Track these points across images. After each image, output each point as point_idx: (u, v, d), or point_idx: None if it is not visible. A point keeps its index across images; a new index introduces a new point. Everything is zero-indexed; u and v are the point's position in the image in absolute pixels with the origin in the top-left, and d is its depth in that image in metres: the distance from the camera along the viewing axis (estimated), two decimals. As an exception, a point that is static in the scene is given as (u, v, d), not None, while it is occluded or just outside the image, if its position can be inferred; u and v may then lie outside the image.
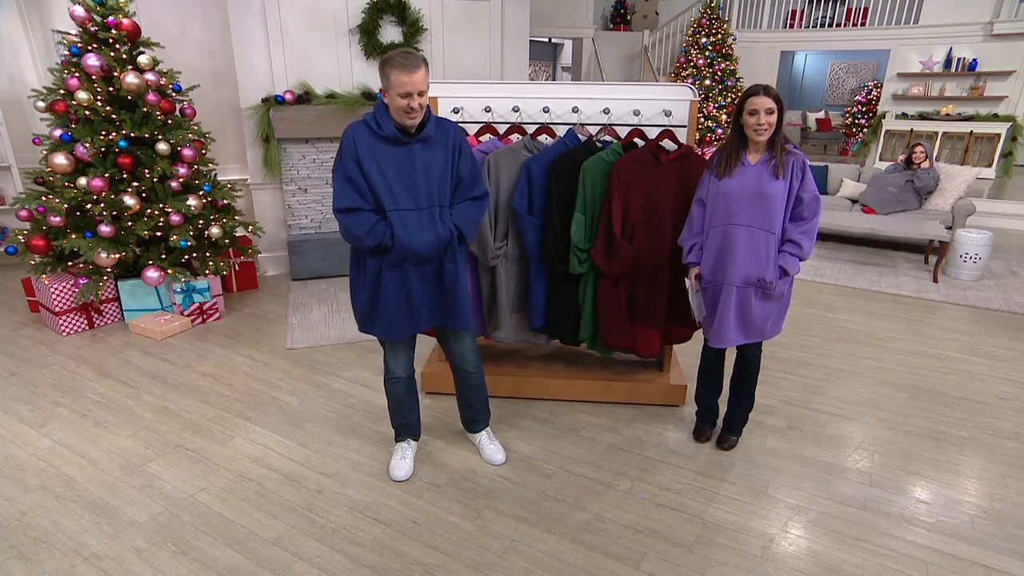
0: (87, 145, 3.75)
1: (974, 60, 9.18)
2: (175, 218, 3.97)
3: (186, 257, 4.10)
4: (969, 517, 2.36)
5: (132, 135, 3.88)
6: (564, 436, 2.88)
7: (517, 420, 3.00)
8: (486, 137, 2.98)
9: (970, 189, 6.08)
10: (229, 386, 3.33)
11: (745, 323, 2.49)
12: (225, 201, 4.37)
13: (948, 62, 9.40)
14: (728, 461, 2.70)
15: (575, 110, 2.94)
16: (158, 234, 4.01)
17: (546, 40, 10.45)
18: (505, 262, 2.92)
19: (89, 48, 3.82)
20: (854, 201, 6.39)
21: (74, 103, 3.76)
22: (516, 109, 2.95)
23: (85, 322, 4.05)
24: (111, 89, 3.86)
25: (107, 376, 3.43)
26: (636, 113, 2.89)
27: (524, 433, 2.90)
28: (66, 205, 3.81)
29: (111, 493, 2.45)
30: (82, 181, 3.77)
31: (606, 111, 2.90)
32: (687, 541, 2.22)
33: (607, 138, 2.88)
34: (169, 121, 4.05)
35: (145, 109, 3.90)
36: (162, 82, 3.99)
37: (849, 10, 10.51)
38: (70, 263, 4.04)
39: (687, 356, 3.45)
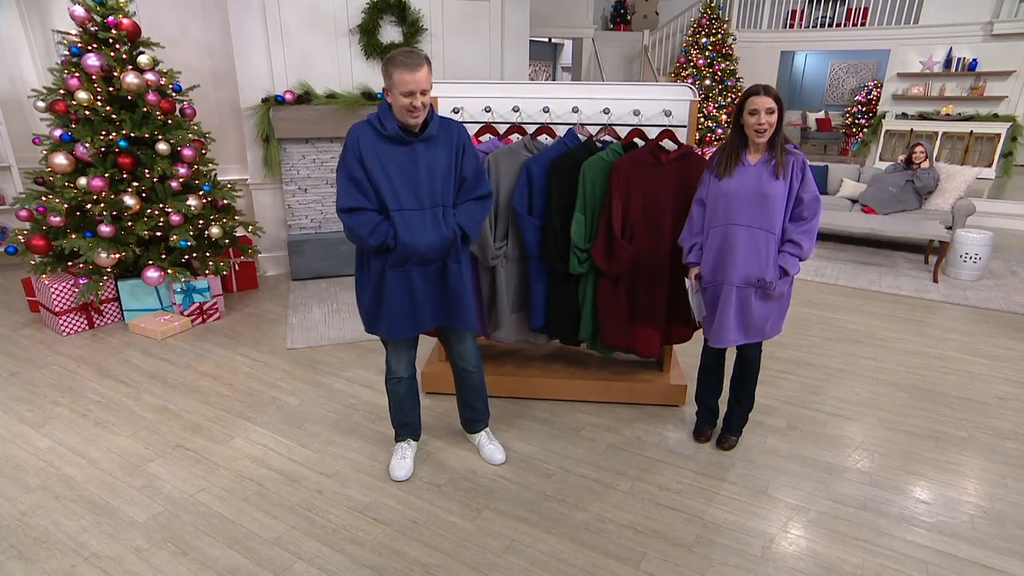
0: (87, 145, 3.75)
1: (974, 60, 9.18)
2: (175, 218, 3.97)
3: (186, 257, 4.10)
4: (969, 517, 2.36)
5: (132, 135, 3.88)
6: (564, 436, 2.88)
7: (517, 420, 3.00)
8: (486, 137, 2.98)
9: (970, 189, 6.08)
10: (229, 386, 3.33)
11: (745, 323, 2.49)
12: (225, 201, 4.37)
13: (948, 62, 9.40)
14: (728, 461, 2.70)
15: (575, 110, 2.94)
16: (158, 234, 4.01)
17: (546, 40, 10.45)
18: (505, 262, 2.92)
19: (89, 48, 3.82)
20: (854, 201, 6.39)
21: (74, 103, 3.76)
22: (516, 109, 2.95)
23: (85, 322, 4.05)
24: (111, 89, 3.86)
25: (107, 376, 3.43)
26: (636, 113, 2.89)
27: (524, 433, 2.90)
28: (66, 205, 3.81)
29: (111, 493, 2.45)
30: (82, 181, 3.77)
31: (606, 111, 2.90)
32: (687, 541, 2.22)
33: (607, 138, 2.88)
34: (169, 121, 4.05)
35: (145, 109, 3.90)
36: (162, 82, 3.99)
37: (849, 10, 10.51)
38: (70, 263, 4.04)
39: (687, 356, 3.45)
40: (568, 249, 2.83)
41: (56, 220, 3.79)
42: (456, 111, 2.96)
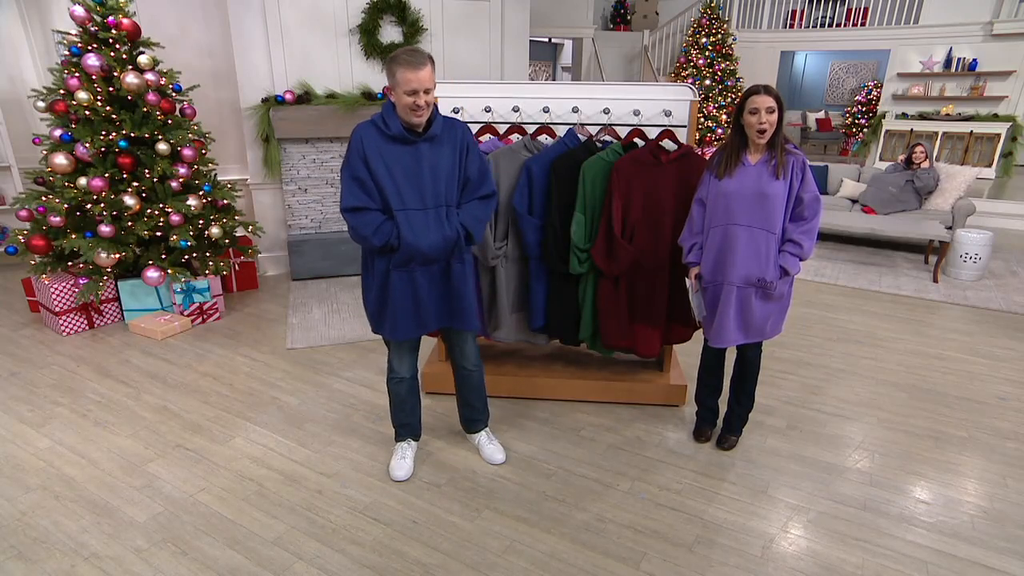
0: (87, 145, 3.75)
1: (974, 60, 9.18)
2: (175, 218, 3.97)
3: (186, 257, 4.10)
4: (969, 517, 2.36)
5: (132, 135, 3.88)
6: (564, 436, 2.88)
7: (517, 420, 3.00)
8: (486, 137, 2.98)
9: (970, 189, 6.08)
10: (229, 386, 3.33)
11: (745, 323, 2.49)
12: (225, 201, 4.37)
13: (948, 62, 9.40)
14: (728, 461, 2.70)
15: (575, 110, 2.94)
16: (158, 234, 4.01)
17: (546, 40, 10.45)
18: (505, 262, 2.92)
19: (89, 48, 3.82)
20: (854, 201, 6.39)
21: (74, 103, 3.76)
22: (516, 109, 2.95)
23: (85, 322, 4.05)
24: (111, 89, 3.86)
25: (107, 376, 3.43)
26: (636, 113, 2.89)
27: (524, 433, 2.90)
28: (66, 205, 3.81)
29: (111, 493, 2.45)
30: (82, 181, 3.77)
31: (606, 111, 2.90)
32: (687, 541, 2.22)
33: (607, 138, 2.88)
34: (169, 121, 4.05)
35: (145, 109, 3.90)
36: (162, 82, 3.99)
37: (849, 10, 10.51)
38: (70, 263, 4.04)
39: (687, 356, 3.45)
40: (568, 249, 2.83)
41: (56, 220, 3.79)
42: (456, 111, 2.96)
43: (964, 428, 2.97)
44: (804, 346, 3.88)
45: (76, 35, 3.84)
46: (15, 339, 3.91)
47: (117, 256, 3.87)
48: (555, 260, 2.85)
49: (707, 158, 2.60)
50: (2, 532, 2.23)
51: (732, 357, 2.74)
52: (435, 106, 2.19)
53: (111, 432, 2.88)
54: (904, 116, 9.85)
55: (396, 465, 2.57)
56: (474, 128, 2.97)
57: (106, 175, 3.82)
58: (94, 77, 3.79)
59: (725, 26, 9.91)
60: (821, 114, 12.47)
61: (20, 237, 3.88)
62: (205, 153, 4.29)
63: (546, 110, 2.95)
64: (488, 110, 2.97)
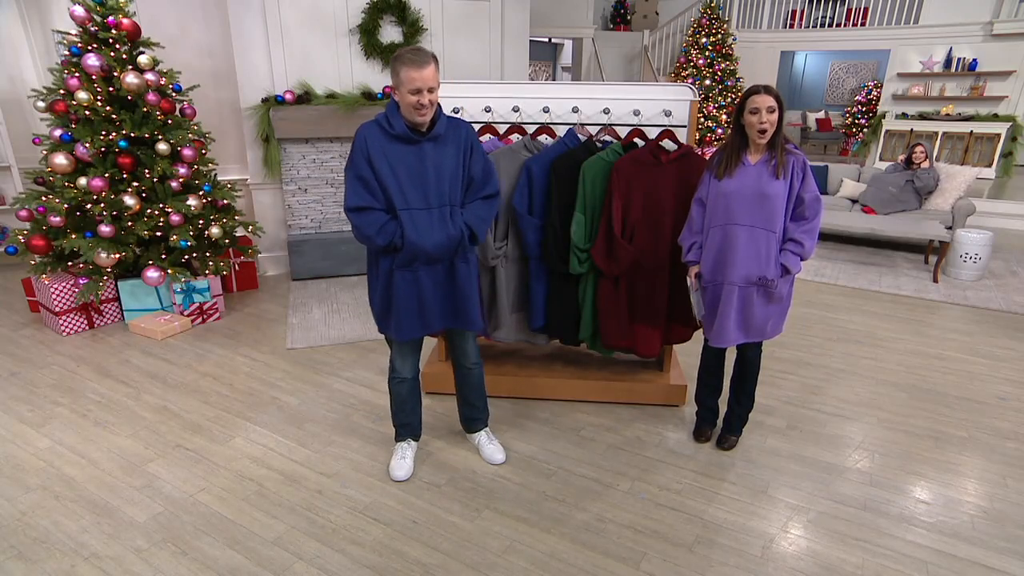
0: (87, 145, 3.75)
1: (974, 60, 9.18)
2: (175, 218, 3.97)
3: (186, 257, 4.10)
4: (969, 517, 2.36)
5: (132, 135, 3.88)
6: (564, 436, 2.88)
7: (517, 420, 3.00)
8: (486, 137, 2.98)
9: (970, 189, 6.08)
10: (229, 386, 3.33)
11: (746, 323, 2.49)
12: (225, 201, 4.37)
13: (948, 62, 9.40)
14: (728, 461, 2.70)
15: (575, 110, 2.94)
16: (158, 234, 4.01)
17: (546, 40, 10.45)
18: (505, 262, 2.92)
19: (89, 48, 3.82)
20: (854, 201, 6.39)
21: (74, 103, 3.76)
22: (516, 109, 2.95)
23: (85, 322, 4.05)
24: (111, 89, 3.86)
25: (107, 376, 3.43)
26: (636, 113, 2.89)
27: (524, 433, 2.90)
28: (66, 205, 3.81)
29: (111, 493, 2.45)
30: (82, 181, 3.77)
31: (606, 111, 2.90)
32: (687, 541, 2.22)
33: (607, 138, 2.88)
34: (169, 121, 4.05)
35: (145, 109, 3.90)
36: (162, 82, 3.99)
37: (849, 10, 10.51)
38: (70, 263, 4.04)
39: (687, 356, 3.45)
40: (568, 249, 2.83)
41: (56, 220, 3.79)
42: (456, 111, 2.96)
43: (964, 428, 2.97)
44: (804, 346, 3.88)
45: (76, 35, 3.84)
46: (15, 339, 3.91)
47: (117, 256, 3.87)
48: (555, 260, 2.85)
49: (707, 158, 2.60)
50: (2, 532, 2.23)
51: (732, 357, 2.74)
52: (439, 106, 2.20)
53: (111, 432, 2.88)
54: (904, 116, 9.86)
55: (396, 465, 2.57)
56: (474, 128, 2.97)
57: (106, 175, 3.82)
58: (94, 77, 3.79)
59: (725, 26, 9.91)
60: (821, 114, 12.47)
61: (20, 237, 3.88)
62: (205, 153, 4.29)
63: (546, 110, 2.95)
64: (488, 110, 2.97)
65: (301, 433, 2.89)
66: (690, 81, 9.79)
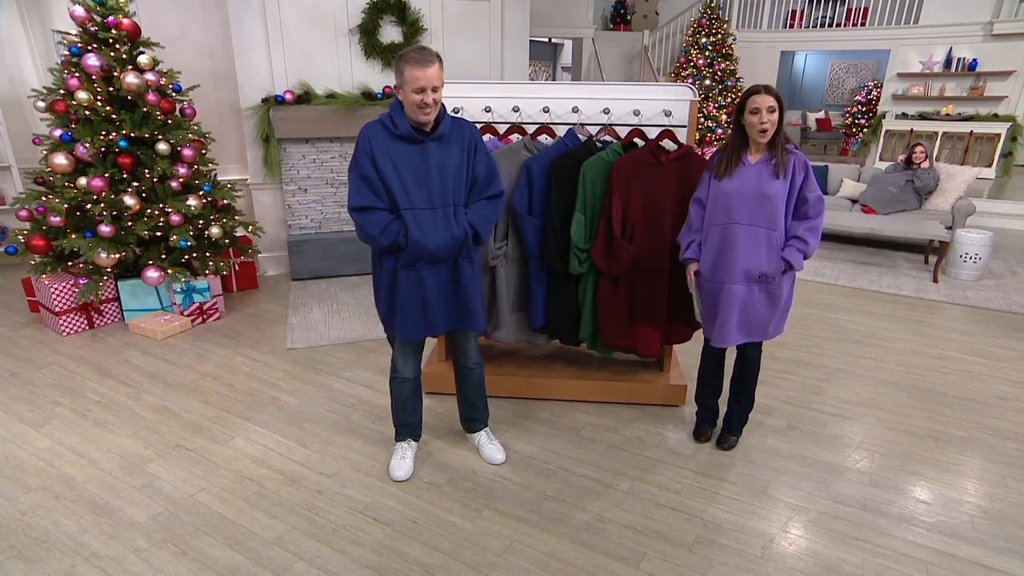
0: (87, 145, 3.75)
1: (974, 60, 9.19)
2: (175, 218, 3.97)
3: (186, 257, 4.10)
4: (969, 517, 2.36)
5: (132, 135, 3.88)
6: (564, 436, 2.88)
7: (517, 420, 3.00)
8: (486, 137, 2.97)
9: (970, 189, 6.08)
10: (229, 386, 3.33)
11: (748, 323, 2.49)
12: (225, 201, 4.37)
13: (948, 62, 9.41)
14: (728, 461, 2.70)
15: (575, 110, 2.94)
16: (158, 234, 4.01)
17: (546, 40, 10.45)
18: (505, 262, 2.92)
19: (89, 48, 3.82)
20: (854, 201, 6.39)
21: (74, 103, 3.76)
22: (516, 109, 2.95)
23: (85, 322, 4.05)
24: (111, 89, 3.86)
25: (107, 376, 3.43)
26: (636, 113, 2.89)
27: (524, 433, 2.90)
28: (66, 205, 3.81)
29: (111, 493, 2.45)
30: (82, 181, 3.77)
31: (606, 111, 2.90)
32: (687, 541, 2.22)
33: (607, 138, 2.88)
34: (169, 121, 4.05)
35: (145, 109, 3.90)
36: (162, 82, 3.99)
37: (849, 10, 10.51)
38: (70, 263, 4.04)
39: (687, 356, 3.45)
40: (568, 249, 2.83)
41: (56, 220, 3.79)
42: (456, 111, 2.96)
43: (964, 428, 2.97)
44: (804, 346, 3.88)
45: (76, 35, 3.84)
46: (15, 339, 3.91)
47: (117, 256, 3.87)
48: (555, 260, 2.85)
49: (707, 158, 2.60)
50: (2, 532, 2.23)
51: (732, 357, 2.74)
52: (443, 106, 2.20)
53: (111, 432, 2.88)
54: (904, 116, 9.86)
55: (396, 465, 2.57)
56: (474, 128, 2.98)
57: (106, 175, 3.82)
58: (94, 77, 3.79)
59: (725, 26, 9.91)
60: (821, 114, 12.47)
61: (20, 237, 3.88)
62: (205, 153, 4.29)
63: (546, 110, 2.95)
64: (488, 110, 2.97)
65: (301, 433, 2.89)
66: (690, 81, 9.79)
